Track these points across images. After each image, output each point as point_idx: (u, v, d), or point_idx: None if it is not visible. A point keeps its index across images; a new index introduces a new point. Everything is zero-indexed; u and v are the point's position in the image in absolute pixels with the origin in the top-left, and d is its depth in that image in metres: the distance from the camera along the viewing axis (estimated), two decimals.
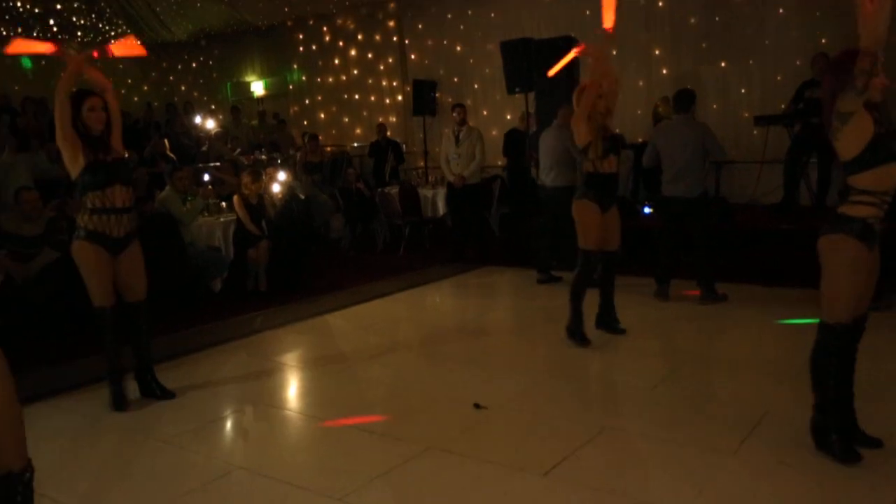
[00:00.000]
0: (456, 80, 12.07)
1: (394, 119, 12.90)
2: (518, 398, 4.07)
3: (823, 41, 8.43)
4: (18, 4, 10.01)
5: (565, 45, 8.14)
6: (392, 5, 12.49)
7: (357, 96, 13.36)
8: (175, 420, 3.98)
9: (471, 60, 11.86)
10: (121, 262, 4.03)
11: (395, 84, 12.89)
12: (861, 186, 2.94)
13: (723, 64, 9.61)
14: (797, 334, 4.57)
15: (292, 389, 4.68)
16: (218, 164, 9.93)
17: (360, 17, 12.97)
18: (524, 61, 8.31)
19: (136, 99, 15.23)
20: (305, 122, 13.96)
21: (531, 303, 6.56)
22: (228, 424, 4.05)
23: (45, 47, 3.94)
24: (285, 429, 3.98)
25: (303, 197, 8.44)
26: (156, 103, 14.01)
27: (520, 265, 7.64)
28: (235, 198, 7.17)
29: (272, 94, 14.63)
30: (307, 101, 14.09)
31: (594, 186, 4.94)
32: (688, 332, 5.43)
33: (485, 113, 11.82)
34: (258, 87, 14.82)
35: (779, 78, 9.08)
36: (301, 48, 13.87)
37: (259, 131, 12.85)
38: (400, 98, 12.82)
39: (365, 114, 13.23)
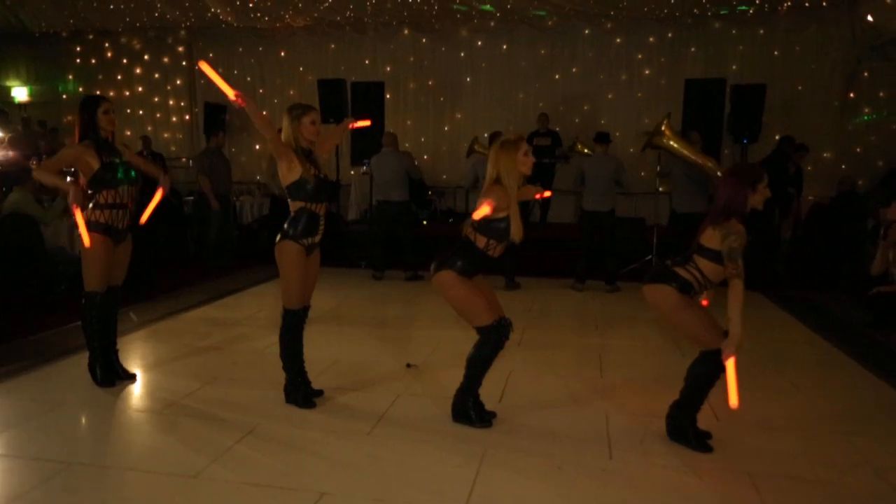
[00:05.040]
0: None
1: (181, 136, 12.32)
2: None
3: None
4: None
5: (376, 89, 8.96)
6: (182, 32, 11.94)
7: (141, 112, 12.42)
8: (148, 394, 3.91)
9: (261, 90, 11.88)
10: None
11: (182, 104, 12.30)
12: None
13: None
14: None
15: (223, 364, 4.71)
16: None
17: (147, 39, 12.13)
18: (337, 97, 8.84)
19: None
20: None
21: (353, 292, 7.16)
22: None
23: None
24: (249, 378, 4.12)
25: None
26: None
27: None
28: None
29: (39, 102, 12.86)
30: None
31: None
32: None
33: None
34: (21, 93, 12.90)
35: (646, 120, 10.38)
36: (78, 60, 12.47)
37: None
38: (188, 118, 12.27)
39: (150, 129, 12.34)
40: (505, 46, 10.89)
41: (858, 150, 9.94)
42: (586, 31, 10.65)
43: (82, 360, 4.44)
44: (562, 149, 9.86)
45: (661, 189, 8.48)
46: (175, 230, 9.18)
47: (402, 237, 7.52)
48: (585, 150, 9.21)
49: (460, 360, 4.42)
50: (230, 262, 8.18)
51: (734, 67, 10.08)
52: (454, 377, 4.14)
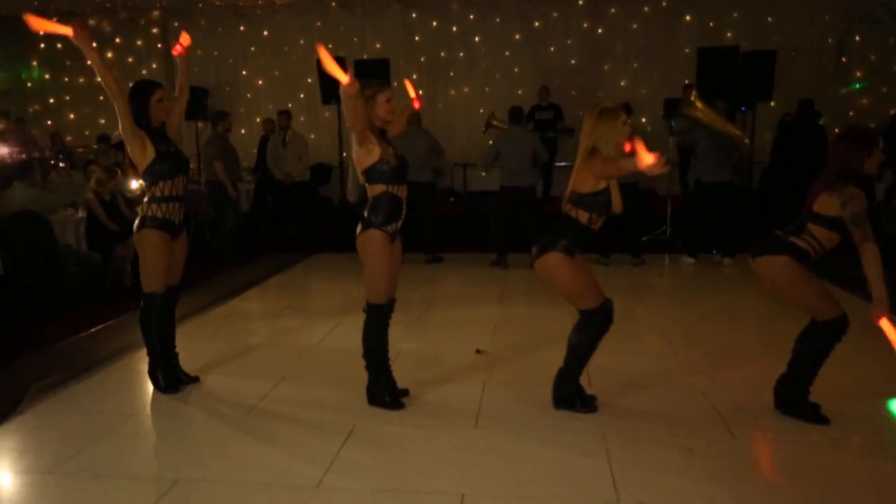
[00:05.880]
0: (228, 89, 11.47)
1: None
2: None
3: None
4: None
5: (380, 66, 8.65)
6: (156, 13, 11.32)
7: None
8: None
9: (244, 72, 11.40)
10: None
11: None
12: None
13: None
14: None
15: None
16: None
17: (118, 22, 11.46)
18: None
19: None
20: (50, 122, 11.86)
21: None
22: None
23: (64, 29, 3.27)
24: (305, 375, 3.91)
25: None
26: None
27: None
28: (89, 195, 6.21)
29: (0, 90, 12.07)
30: (52, 101, 11.96)
31: None
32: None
33: (257, 120, 11.46)
34: None
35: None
36: (43, 45, 11.71)
37: None
38: None
39: None
40: (498, 19, 10.66)
41: (851, 113, 10.10)
42: (580, 2, 10.49)
43: (126, 365, 4.22)
44: (563, 122, 9.75)
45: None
46: None
47: (425, 218, 7.30)
48: None
49: (527, 343, 4.36)
50: (233, 254, 7.74)
51: (729, 35, 10.08)
52: (530, 361, 4.10)
